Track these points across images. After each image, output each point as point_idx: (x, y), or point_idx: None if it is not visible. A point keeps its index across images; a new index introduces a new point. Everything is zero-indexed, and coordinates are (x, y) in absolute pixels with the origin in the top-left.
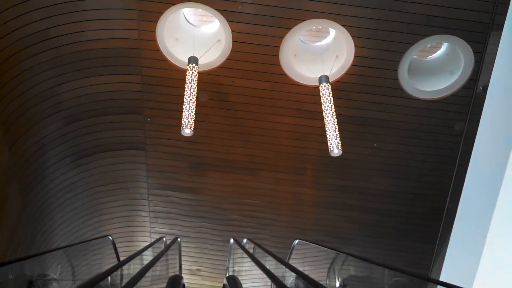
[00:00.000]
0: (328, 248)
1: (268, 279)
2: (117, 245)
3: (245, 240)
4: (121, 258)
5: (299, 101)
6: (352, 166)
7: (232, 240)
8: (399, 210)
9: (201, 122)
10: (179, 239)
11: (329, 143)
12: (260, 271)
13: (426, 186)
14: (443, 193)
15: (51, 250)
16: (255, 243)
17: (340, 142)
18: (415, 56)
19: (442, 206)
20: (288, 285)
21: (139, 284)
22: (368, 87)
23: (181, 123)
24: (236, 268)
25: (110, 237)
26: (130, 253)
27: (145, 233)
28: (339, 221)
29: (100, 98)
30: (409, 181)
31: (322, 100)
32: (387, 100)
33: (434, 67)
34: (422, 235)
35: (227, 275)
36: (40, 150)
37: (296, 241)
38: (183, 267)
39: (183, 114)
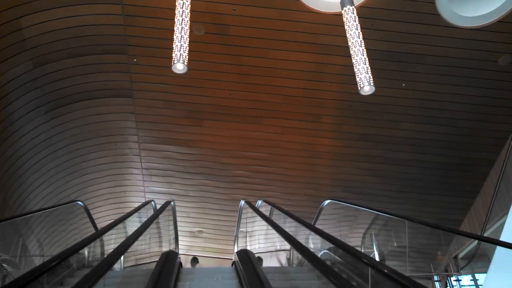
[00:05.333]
0: (369, 209)
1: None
2: (108, 207)
3: (260, 202)
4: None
5: (314, 32)
6: (376, 111)
7: (242, 202)
8: (430, 161)
9: (197, 62)
10: (172, 202)
11: (358, 79)
12: (274, 237)
13: (464, 133)
14: (488, 141)
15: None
16: (278, 208)
17: (372, 77)
18: None
19: (485, 156)
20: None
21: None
22: (397, 14)
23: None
24: (247, 237)
25: (80, 203)
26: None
27: (138, 193)
28: (360, 174)
29: (73, 34)
30: (445, 127)
31: (346, 27)
32: (421, 30)
33: None
34: (455, 189)
35: (236, 250)
36: (5, 98)
37: (327, 202)
38: (183, 228)
39: (174, 45)
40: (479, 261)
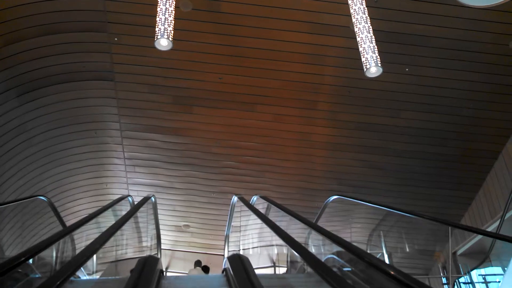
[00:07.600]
0: (396, 210)
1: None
2: (88, 200)
3: (255, 198)
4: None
5: (314, 10)
6: (376, 98)
7: (235, 199)
8: (430, 152)
9: (185, 42)
10: (153, 197)
11: (363, 59)
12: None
13: (467, 122)
14: (493, 132)
15: None
16: (280, 207)
17: (379, 57)
18: None
19: (490, 148)
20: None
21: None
22: None
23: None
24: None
25: (43, 198)
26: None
27: (121, 184)
28: (356, 166)
29: (47, 8)
30: (448, 116)
31: (350, 2)
32: (428, 9)
33: None
34: (456, 182)
35: (227, 254)
36: None
37: (333, 197)
38: (168, 223)
39: (158, 19)
40: (478, 259)
